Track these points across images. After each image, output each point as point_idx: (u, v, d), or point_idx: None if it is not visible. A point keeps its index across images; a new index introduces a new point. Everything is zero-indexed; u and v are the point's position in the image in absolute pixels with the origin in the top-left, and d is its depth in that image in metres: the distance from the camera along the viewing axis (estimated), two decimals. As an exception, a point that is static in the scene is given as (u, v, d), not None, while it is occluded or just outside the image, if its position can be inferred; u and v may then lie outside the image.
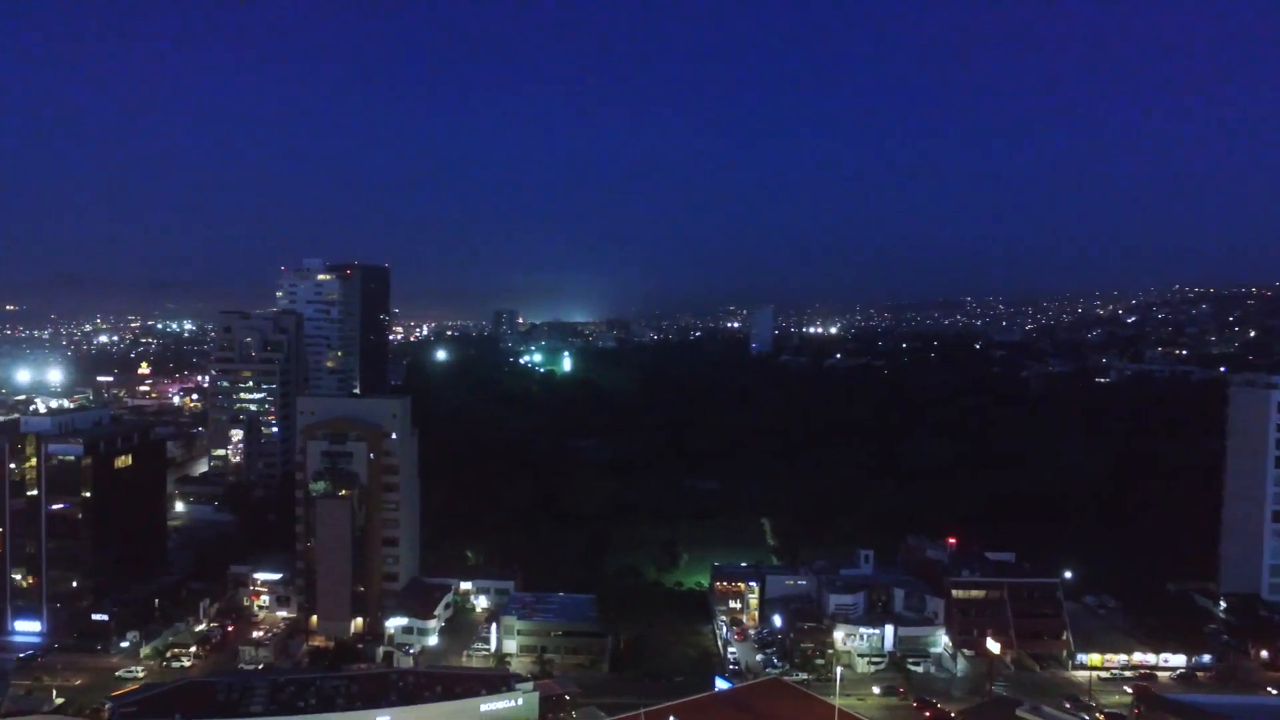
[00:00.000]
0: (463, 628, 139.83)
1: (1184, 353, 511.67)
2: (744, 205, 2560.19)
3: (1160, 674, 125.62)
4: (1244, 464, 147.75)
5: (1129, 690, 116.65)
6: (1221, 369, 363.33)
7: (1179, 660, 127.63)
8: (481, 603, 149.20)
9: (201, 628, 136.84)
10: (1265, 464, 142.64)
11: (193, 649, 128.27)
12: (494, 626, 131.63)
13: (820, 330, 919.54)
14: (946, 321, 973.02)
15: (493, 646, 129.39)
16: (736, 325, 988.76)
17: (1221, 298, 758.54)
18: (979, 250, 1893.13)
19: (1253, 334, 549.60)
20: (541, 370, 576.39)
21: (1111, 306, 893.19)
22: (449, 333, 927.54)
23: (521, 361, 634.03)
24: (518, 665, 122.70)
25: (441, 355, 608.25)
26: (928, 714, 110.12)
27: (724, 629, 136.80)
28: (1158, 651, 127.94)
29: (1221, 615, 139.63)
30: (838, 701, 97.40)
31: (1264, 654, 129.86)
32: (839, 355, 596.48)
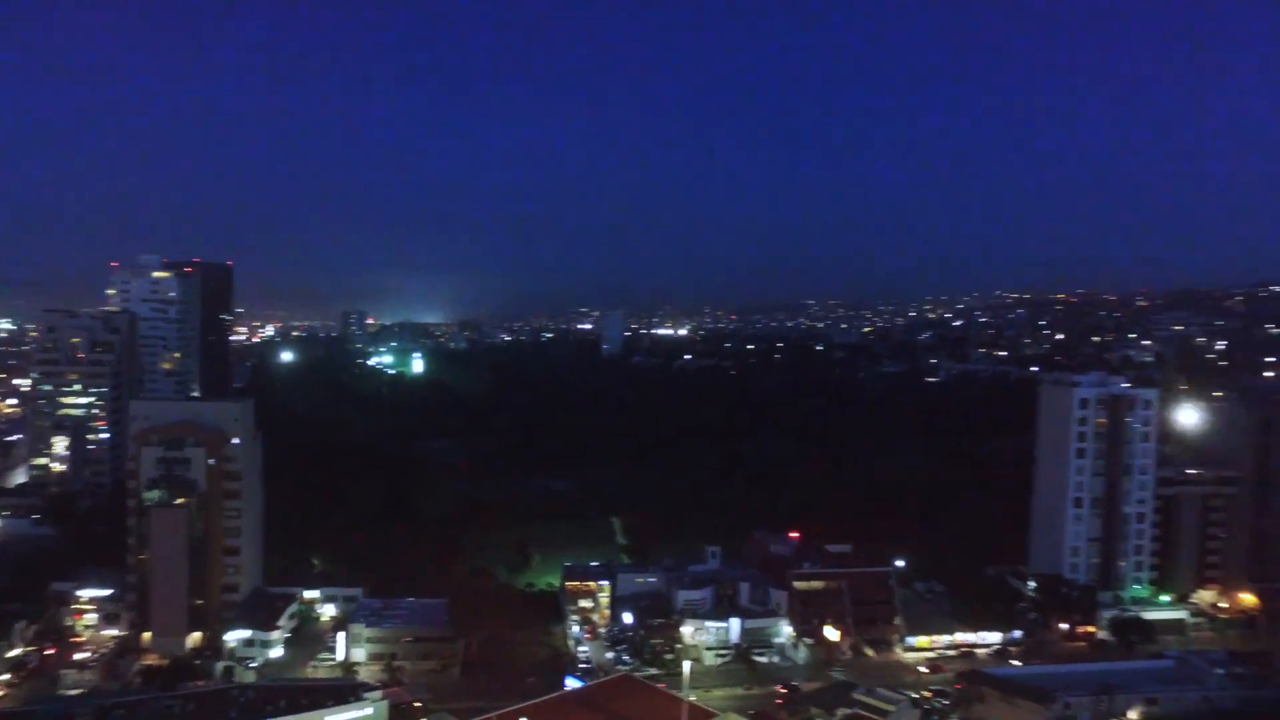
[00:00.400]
0: (309, 638, 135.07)
1: (1003, 354, 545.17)
2: (596, 208, 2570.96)
3: (979, 650, 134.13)
4: (1050, 455, 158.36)
5: (952, 668, 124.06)
6: (1034, 369, 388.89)
7: (995, 637, 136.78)
8: (329, 611, 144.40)
9: (15, 653, 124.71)
10: (1068, 455, 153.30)
11: (4, 677, 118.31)
12: (341, 635, 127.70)
13: (670, 332, 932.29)
14: (790, 324, 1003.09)
15: (340, 656, 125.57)
16: (588, 327, 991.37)
17: (1035, 303, 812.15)
18: (821, 255, 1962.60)
19: (1060, 337, 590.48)
20: (392, 371, 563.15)
21: (940, 311, 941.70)
22: (295, 334, 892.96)
23: (371, 363, 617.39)
24: (366, 674, 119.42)
25: (287, 357, 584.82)
26: (784, 691, 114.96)
27: (575, 628, 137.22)
28: (976, 630, 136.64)
29: (1030, 594, 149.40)
30: (686, 695, 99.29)
31: (1064, 626, 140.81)
32: (688, 357, 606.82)
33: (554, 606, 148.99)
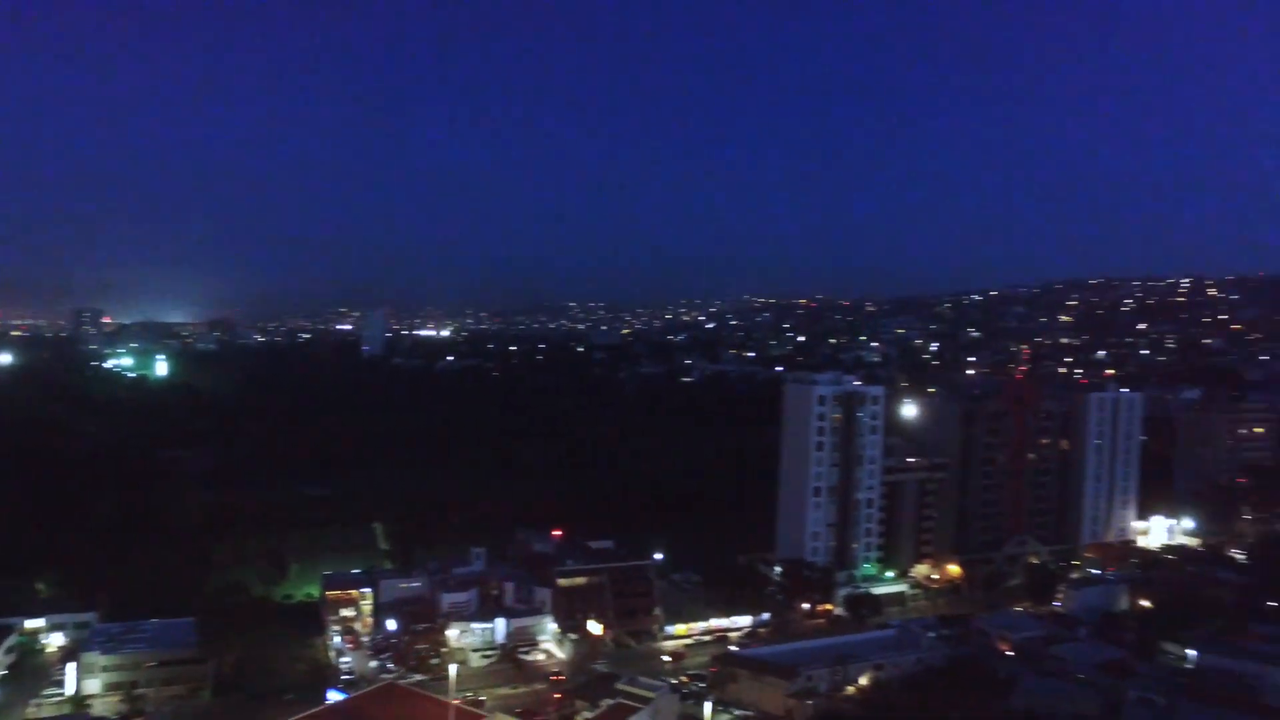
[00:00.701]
0: (31, 673, 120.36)
1: (752, 354, 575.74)
2: (357, 206, 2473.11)
3: (732, 634, 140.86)
4: (793, 448, 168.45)
5: (707, 652, 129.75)
6: (779, 368, 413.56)
7: (746, 620, 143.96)
8: (56, 641, 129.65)
9: None
10: (808, 448, 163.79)
11: None
12: (71, 666, 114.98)
13: (433, 333, 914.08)
14: (552, 325, 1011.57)
15: (70, 690, 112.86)
16: (348, 327, 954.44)
17: (780, 308, 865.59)
18: (582, 259, 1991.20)
19: (801, 339, 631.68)
20: (132, 375, 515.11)
21: (694, 314, 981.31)
22: (15, 334, 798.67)
23: (108, 365, 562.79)
24: (101, 707, 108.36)
25: (4, 359, 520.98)
26: (553, 679, 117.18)
27: (337, 639, 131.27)
28: (729, 615, 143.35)
29: (776, 578, 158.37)
30: (453, 698, 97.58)
31: (806, 606, 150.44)
32: (451, 358, 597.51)
33: (314, 618, 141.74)
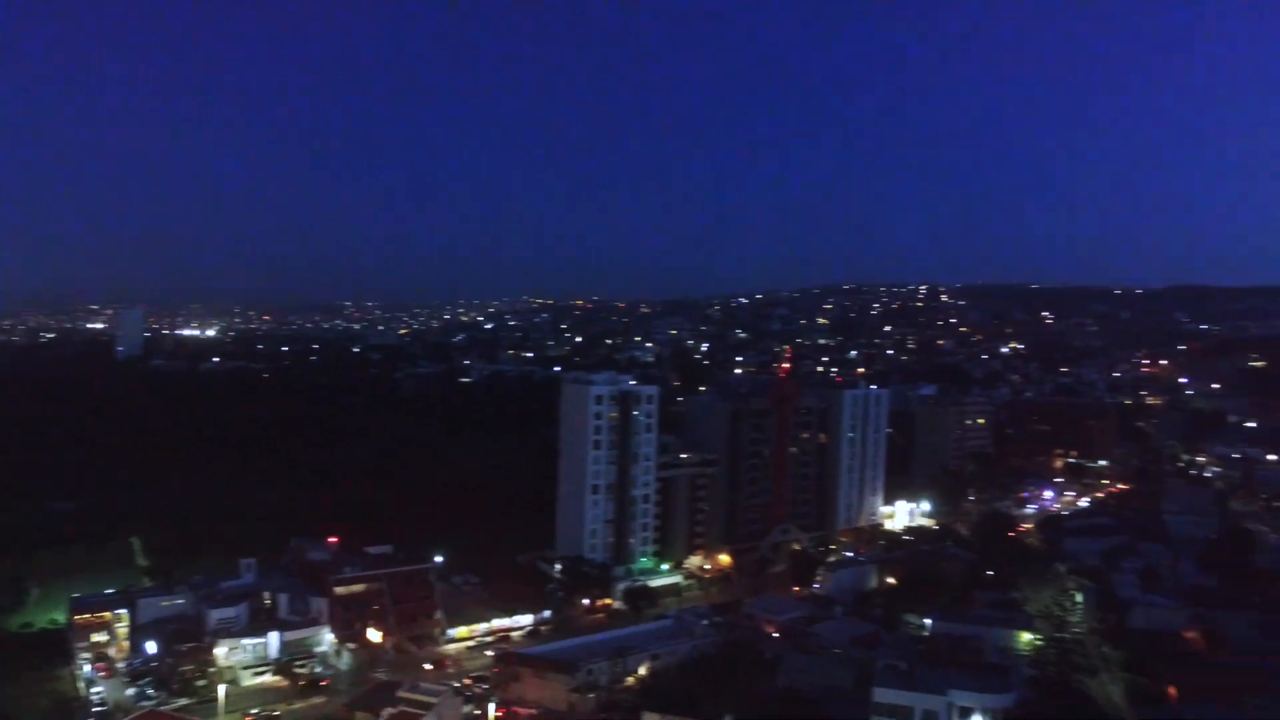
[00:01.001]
0: None
1: (530, 355, 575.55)
2: (107, 200, 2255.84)
3: (514, 633, 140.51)
4: (572, 447, 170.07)
5: (490, 653, 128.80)
6: (556, 369, 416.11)
7: (528, 619, 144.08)
8: None
9: None
10: (586, 446, 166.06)
11: None
12: None
13: (197, 333, 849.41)
14: (327, 325, 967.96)
15: None
16: (100, 326, 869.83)
17: (558, 308, 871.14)
18: (359, 257, 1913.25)
19: (579, 339, 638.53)
20: None
21: (473, 314, 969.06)
22: None
23: None
24: None
25: None
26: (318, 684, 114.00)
27: (87, 668, 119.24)
28: (511, 615, 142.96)
29: (557, 576, 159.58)
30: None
31: (585, 601, 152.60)
32: (217, 359, 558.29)
33: (60, 646, 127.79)
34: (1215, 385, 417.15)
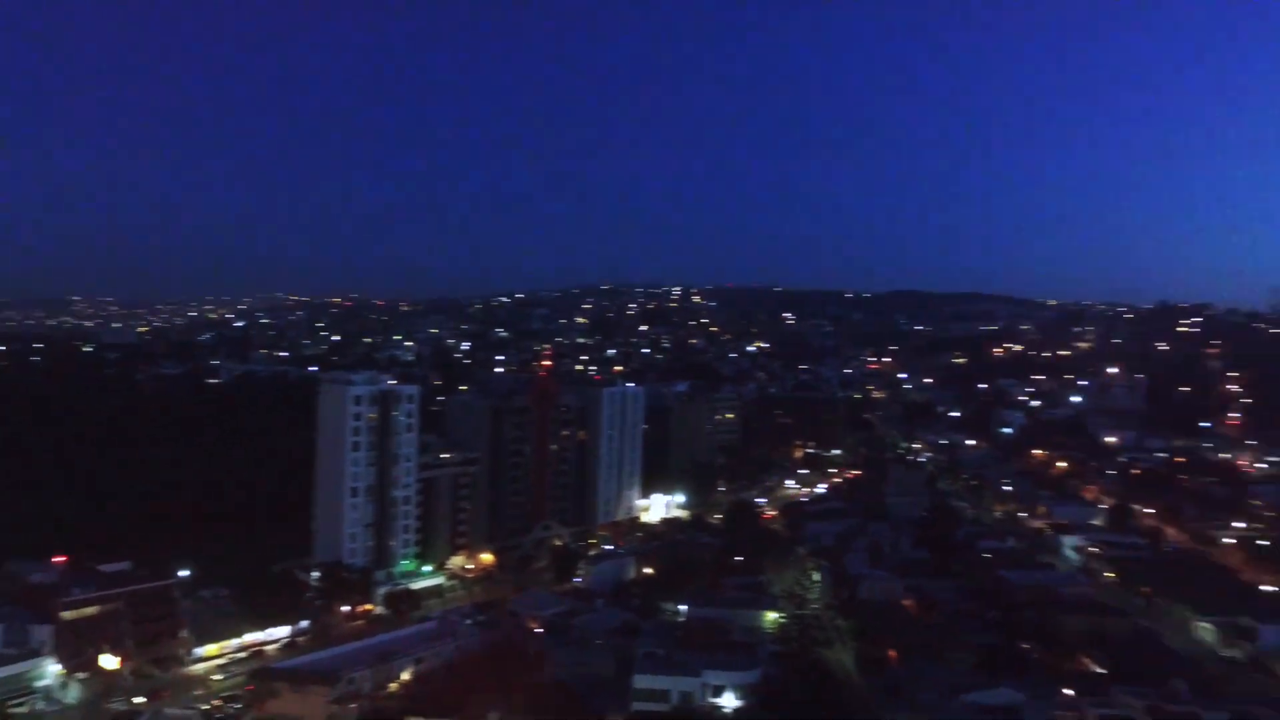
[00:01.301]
0: None
1: (285, 354, 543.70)
2: None
3: (269, 647, 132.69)
4: (329, 449, 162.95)
5: (241, 671, 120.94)
6: (313, 368, 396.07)
7: (284, 631, 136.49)
8: None
9: None
10: (344, 448, 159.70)
11: None
12: None
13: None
14: (51, 323, 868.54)
15: None
16: None
17: (314, 306, 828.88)
18: (92, 249, 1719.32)
19: (337, 338, 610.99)
20: None
21: (222, 311, 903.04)
22: None
23: None
24: None
25: None
26: None
27: None
28: (266, 628, 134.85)
29: (315, 584, 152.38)
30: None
31: (346, 608, 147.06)
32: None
33: None
34: (928, 379, 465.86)
